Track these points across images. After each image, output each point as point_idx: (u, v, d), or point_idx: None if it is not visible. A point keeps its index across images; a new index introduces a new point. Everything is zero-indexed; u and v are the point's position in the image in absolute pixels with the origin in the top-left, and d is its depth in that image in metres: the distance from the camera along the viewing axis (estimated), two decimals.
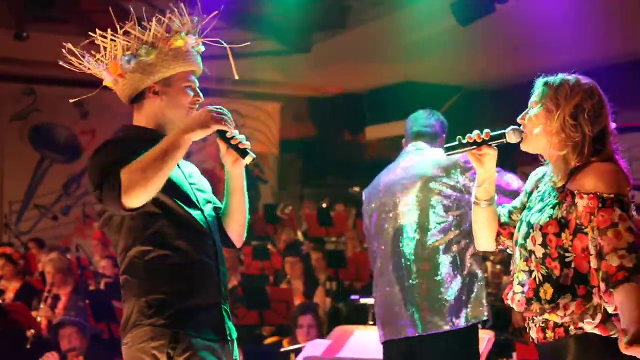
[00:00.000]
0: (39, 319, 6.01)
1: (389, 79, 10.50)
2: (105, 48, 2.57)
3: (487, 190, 2.52)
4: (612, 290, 2.20)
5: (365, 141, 12.32)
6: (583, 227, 2.29)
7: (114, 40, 2.54)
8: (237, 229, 2.66)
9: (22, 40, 8.47)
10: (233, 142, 2.47)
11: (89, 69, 2.62)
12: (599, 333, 2.29)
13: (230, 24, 2.30)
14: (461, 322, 3.39)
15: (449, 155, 2.52)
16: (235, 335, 2.56)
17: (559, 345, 2.35)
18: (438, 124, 3.69)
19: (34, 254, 8.76)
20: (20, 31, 8.39)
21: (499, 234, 2.58)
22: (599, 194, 2.26)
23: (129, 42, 2.54)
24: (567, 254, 2.30)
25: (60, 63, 2.64)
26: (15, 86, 11.29)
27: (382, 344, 3.57)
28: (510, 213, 2.59)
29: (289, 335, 5.85)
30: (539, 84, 2.47)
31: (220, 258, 2.55)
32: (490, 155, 2.47)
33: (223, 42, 2.60)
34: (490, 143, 2.45)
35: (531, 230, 2.37)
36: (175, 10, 2.55)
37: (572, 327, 2.32)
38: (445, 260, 3.43)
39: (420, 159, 3.58)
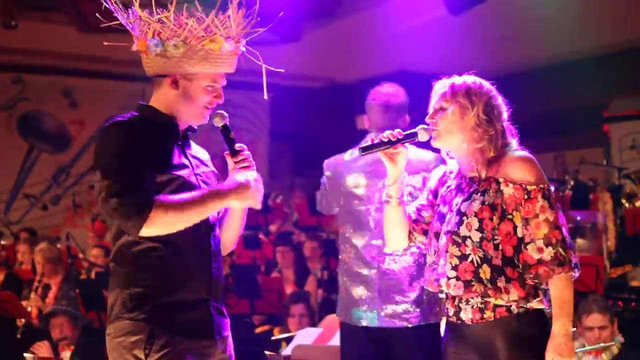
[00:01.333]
0: (29, 308, 6.00)
1: (381, 69, 10.47)
2: (138, 19, 2.52)
3: (398, 189, 2.66)
4: (530, 277, 2.46)
5: (356, 131, 12.31)
6: (507, 213, 2.50)
7: (148, 21, 2.49)
8: (225, 242, 2.64)
9: (10, 28, 8.40)
10: (231, 142, 2.54)
11: (123, 23, 2.54)
12: (541, 307, 2.52)
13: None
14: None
15: (364, 154, 2.61)
16: (226, 333, 2.54)
17: (497, 324, 2.50)
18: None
19: (12, 244, 8.70)
20: (9, 19, 8.32)
21: (412, 231, 2.70)
22: (523, 185, 2.49)
23: (162, 29, 2.48)
24: (495, 237, 2.49)
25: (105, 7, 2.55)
26: (2, 75, 11.21)
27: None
28: (419, 210, 2.74)
29: (280, 324, 5.86)
30: (442, 85, 2.65)
31: (215, 254, 2.52)
32: (403, 153, 2.62)
33: (260, 58, 2.63)
34: (402, 141, 2.59)
35: (464, 218, 2.51)
36: (222, 12, 2.52)
37: (513, 307, 2.49)
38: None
39: None
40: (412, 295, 3.51)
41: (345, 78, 11.65)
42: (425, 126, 2.60)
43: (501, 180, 2.52)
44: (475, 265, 2.49)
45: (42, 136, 11.54)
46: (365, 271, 3.58)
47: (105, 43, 2.67)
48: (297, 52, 9.70)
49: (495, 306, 2.50)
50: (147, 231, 2.33)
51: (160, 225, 2.32)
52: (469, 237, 2.50)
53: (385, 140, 2.57)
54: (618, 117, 9.91)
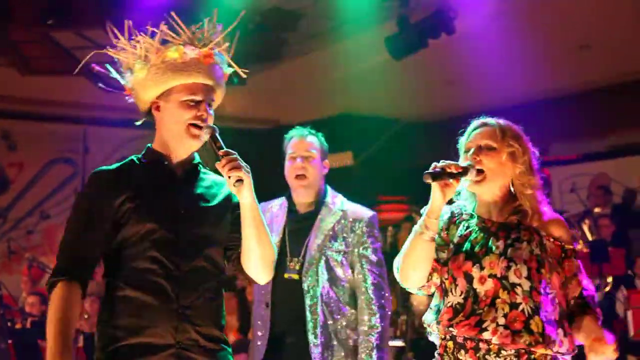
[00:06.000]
0: None
1: (326, 111, 10.52)
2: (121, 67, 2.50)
3: (436, 224, 2.48)
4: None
5: None
6: (554, 267, 2.46)
7: (115, 58, 2.47)
8: (252, 266, 2.47)
9: None
10: (217, 150, 2.38)
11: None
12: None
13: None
14: None
15: (433, 181, 2.41)
16: None
17: None
18: None
19: None
20: None
21: (433, 270, 2.54)
22: (563, 244, 2.48)
23: (126, 58, 2.45)
24: (549, 290, 2.43)
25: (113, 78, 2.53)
26: None
27: None
28: (436, 249, 2.56)
29: None
30: (487, 124, 2.56)
31: (185, 298, 2.38)
32: (454, 187, 2.45)
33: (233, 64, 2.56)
34: (459, 176, 2.44)
35: (512, 264, 2.42)
36: (172, 21, 2.45)
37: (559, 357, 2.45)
38: None
39: None
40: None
41: (290, 120, 11.66)
42: (471, 164, 2.47)
43: (543, 234, 2.48)
44: (527, 315, 2.39)
45: None
46: None
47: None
48: (242, 95, 9.68)
49: (530, 354, 2.41)
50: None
51: (50, 301, 2.35)
52: (519, 285, 2.41)
53: (448, 170, 2.39)
54: (558, 161, 10.10)
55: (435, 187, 2.42)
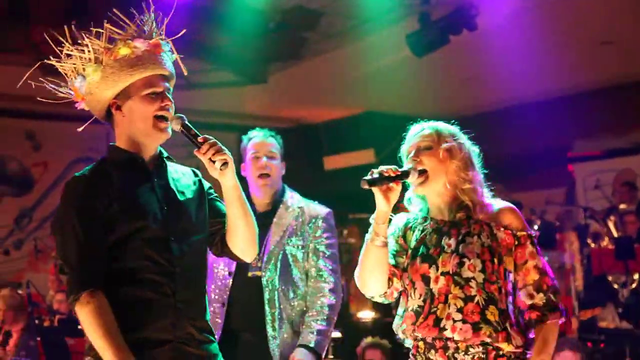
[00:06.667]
0: None
1: (347, 110, 10.53)
2: (66, 75, 2.49)
3: (385, 228, 2.54)
4: (525, 324, 2.50)
5: (324, 171, 12.32)
6: (502, 257, 2.50)
7: (62, 66, 2.46)
8: (239, 244, 2.53)
9: None
10: (194, 138, 2.39)
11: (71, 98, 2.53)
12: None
13: (186, 54, 2.30)
14: None
15: (370, 187, 2.47)
16: None
17: None
18: None
19: None
20: None
21: (391, 277, 2.58)
22: (514, 231, 2.52)
23: (74, 64, 2.44)
24: (498, 280, 2.47)
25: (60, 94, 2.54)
26: None
27: None
28: (394, 256, 2.62)
29: None
30: (423, 127, 2.63)
31: (180, 293, 2.42)
32: (397, 191, 2.50)
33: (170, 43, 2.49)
34: (399, 179, 2.49)
35: (465, 259, 2.46)
36: (113, 18, 2.42)
37: (512, 357, 2.45)
38: None
39: None
40: None
41: (311, 119, 11.67)
42: (412, 167, 2.55)
43: (492, 224, 2.53)
44: (481, 306, 2.43)
45: (4, 180, 11.34)
46: None
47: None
48: (263, 94, 9.71)
49: (497, 357, 2.44)
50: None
51: (81, 317, 2.32)
52: (473, 279, 2.45)
53: (386, 175, 2.46)
54: (582, 157, 10.03)
55: (376, 192, 2.47)
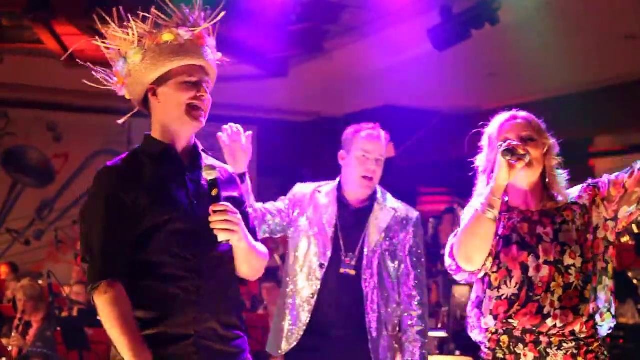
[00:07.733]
0: (9, 347, 5.88)
1: (367, 103, 10.51)
2: (110, 59, 2.49)
3: (499, 203, 2.51)
4: None
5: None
6: (597, 229, 2.54)
7: (107, 47, 2.45)
8: (243, 272, 2.56)
9: None
10: (212, 198, 2.42)
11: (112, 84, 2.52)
12: None
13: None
14: None
15: (506, 156, 2.49)
16: None
17: None
18: None
19: (3, 280, 8.60)
20: None
21: (490, 254, 2.54)
22: (589, 188, 2.64)
23: (118, 46, 2.44)
24: (594, 253, 2.52)
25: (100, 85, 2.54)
26: None
27: None
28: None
29: None
30: (521, 117, 2.65)
31: (205, 288, 2.41)
32: (517, 170, 2.52)
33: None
34: (522, 160, 2.52)
35: (566, 247, 2.48)
36: (162, 4, 2.43)
37: (599, 353, 2.50)
38: None
39: None
40: None
41: (331, 112, 11.67)
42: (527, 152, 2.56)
43: (574, 200, 2.60)
44: (579, 289, 2.46)
45: (26, 171, 11.44)
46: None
47: (85, 81, 2.61)
48: (283, 87, 9.72)
49: (587, 352, 2.45)
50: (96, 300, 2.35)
51: (98, 306, 2.34)
52: (573, 265, 2.48)
53: (519, 151, 2.50)
54: (603, 152, 9.95)
55: (504, 164, 2.47)
